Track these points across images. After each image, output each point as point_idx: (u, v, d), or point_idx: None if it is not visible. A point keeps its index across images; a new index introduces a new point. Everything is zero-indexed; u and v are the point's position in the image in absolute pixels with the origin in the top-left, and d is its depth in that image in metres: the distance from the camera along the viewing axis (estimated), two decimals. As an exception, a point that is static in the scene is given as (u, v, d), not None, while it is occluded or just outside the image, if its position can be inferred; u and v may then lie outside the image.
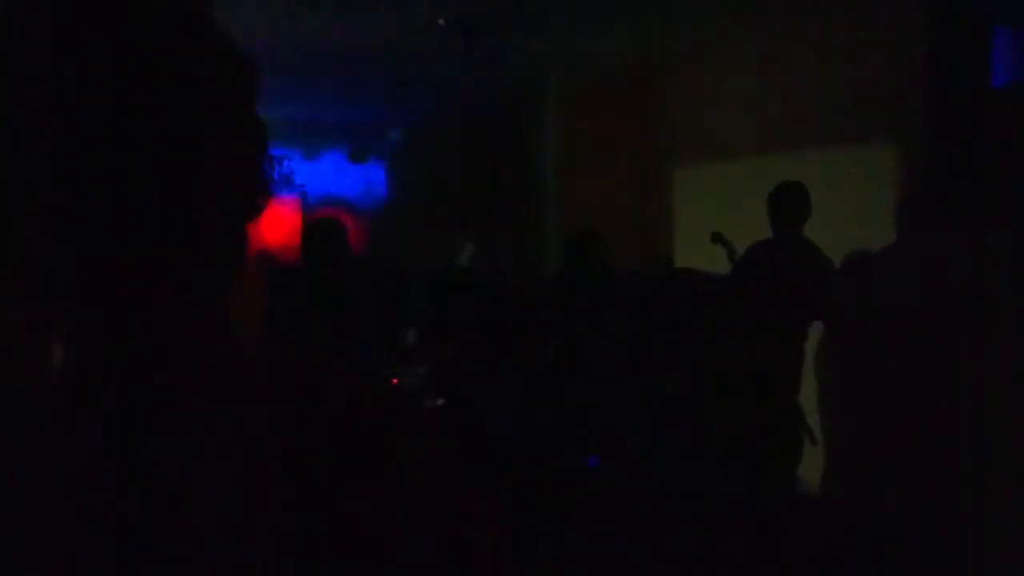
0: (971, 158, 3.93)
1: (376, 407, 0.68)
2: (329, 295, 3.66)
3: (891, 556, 3.55)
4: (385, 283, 4.87)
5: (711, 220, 5.31)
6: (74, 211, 0.55)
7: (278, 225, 7.39)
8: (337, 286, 3.68)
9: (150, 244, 0.57)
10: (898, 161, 4.33)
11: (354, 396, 0.67)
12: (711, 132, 6.22)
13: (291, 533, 0.60)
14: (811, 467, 4.60)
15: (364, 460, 0.63)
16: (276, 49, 6.14)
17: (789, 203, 4.30)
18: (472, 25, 5.70)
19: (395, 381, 4.00)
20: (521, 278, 5.90)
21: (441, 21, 5.73)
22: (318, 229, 3.84)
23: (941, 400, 3.69)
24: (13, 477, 0.59)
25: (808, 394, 4.62)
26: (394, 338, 4.41)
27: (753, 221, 4.48)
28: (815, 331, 4.42)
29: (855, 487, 4.37)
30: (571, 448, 4.75)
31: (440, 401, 4.37)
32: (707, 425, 4.75)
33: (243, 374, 0.66)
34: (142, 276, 0.58)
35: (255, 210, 0.66)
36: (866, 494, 4.25)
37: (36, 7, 0.56)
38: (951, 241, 3.98)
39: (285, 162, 7.76)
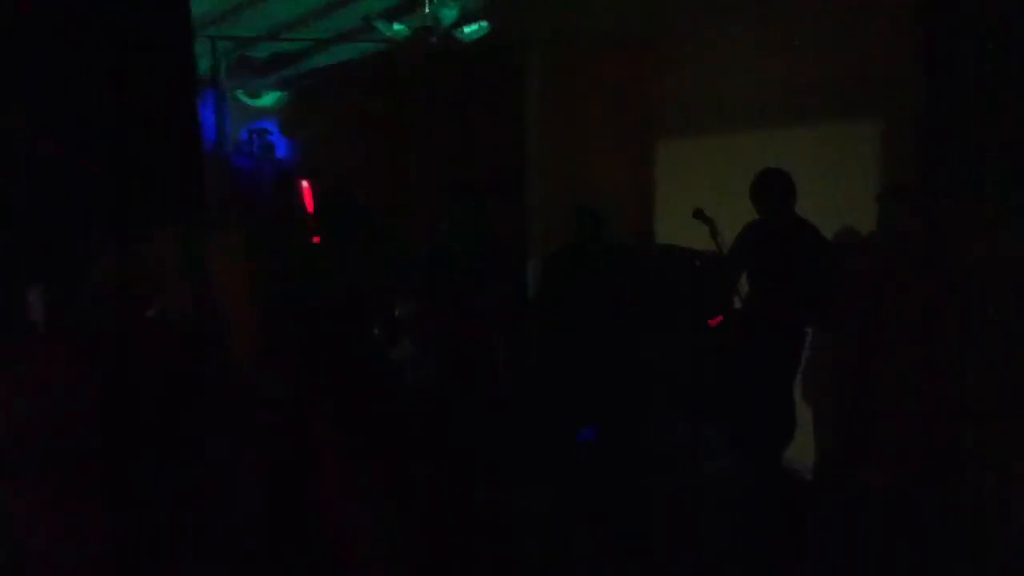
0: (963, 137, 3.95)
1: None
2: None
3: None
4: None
5: (693, 194, 5.29)
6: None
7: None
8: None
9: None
10: (889, 140, 4.34)
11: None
12: (697, 104, 6.19)
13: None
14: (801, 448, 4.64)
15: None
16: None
17: (776, 190, 4.26)
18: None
19: None
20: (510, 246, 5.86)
21: None
22: (338, 201, 3.74)
23: (939, 378, 3.75)
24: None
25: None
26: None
27: (738, 197, 4.44)
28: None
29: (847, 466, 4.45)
30: (572, 419, 4.76)
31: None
32: (705, 400, 4.77)
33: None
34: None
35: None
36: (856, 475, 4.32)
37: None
38: (942, 218, 4.01)
39: (267, 136, 7.58)
